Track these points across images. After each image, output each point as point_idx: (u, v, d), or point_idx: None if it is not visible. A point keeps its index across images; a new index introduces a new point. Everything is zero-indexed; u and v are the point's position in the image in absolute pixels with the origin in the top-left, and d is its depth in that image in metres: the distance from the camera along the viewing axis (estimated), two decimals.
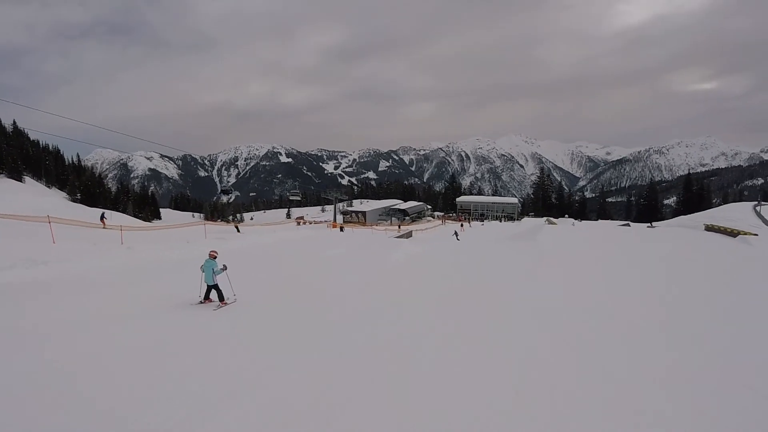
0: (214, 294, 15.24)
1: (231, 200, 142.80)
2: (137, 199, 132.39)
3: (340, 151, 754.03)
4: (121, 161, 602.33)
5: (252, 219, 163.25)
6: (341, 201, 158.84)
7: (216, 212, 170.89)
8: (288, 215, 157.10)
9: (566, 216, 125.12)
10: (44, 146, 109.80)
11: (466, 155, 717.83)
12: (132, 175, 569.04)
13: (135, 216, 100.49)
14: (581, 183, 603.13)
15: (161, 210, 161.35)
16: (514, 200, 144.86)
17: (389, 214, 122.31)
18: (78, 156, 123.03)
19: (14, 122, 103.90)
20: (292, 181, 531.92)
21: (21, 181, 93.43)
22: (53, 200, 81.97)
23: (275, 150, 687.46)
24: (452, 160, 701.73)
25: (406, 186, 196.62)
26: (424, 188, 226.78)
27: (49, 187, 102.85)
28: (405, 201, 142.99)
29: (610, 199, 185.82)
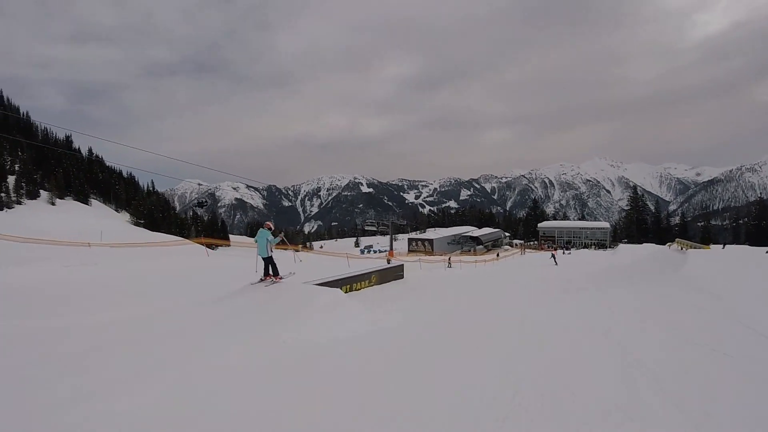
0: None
1: (205, 213, 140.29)
2: (206, 225, 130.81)
3: (420, 181, 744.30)
4: (209, 190, 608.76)
5: (321, 247, 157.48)
6: (416, 229, 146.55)
7: (287, 239, 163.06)
8: (356, 244, 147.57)
9: (669, 244, 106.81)
10: (118, 172, 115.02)
11: (550, 181, 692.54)
12: (219, 204, 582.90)
13: (198, 242, 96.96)
14: (671, 207, 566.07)
15: (232, 236, 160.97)
16: (606, 224, 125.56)
17: (459, 242, 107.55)
18: (152, 183, 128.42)
19: (89, 150, 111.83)
20: (373, 211, 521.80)
21: (87, 204, 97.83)
22: (113, 222, 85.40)
23: (356, 180, 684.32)
24: (535, 187, 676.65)
25: (484, 213, 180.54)
26: (505, 216, 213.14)
27: (118, 210, 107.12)
28: (480, 228, 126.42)
29: (700, 223, 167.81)
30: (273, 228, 14.89)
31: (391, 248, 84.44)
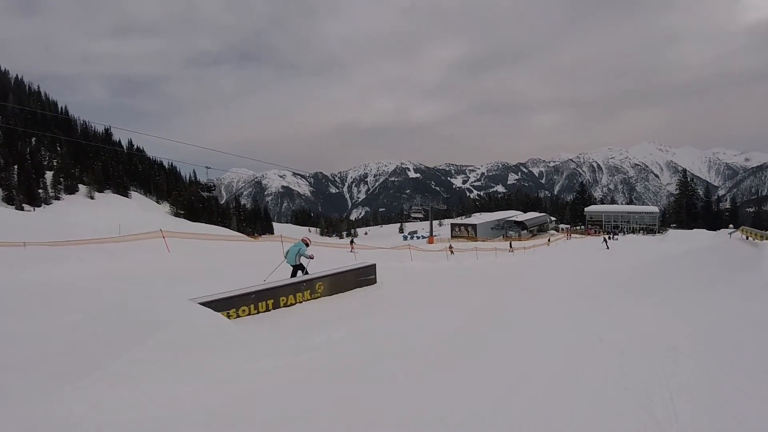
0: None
1: (214, 196, 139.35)
2: (248, 214, 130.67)
3: (467, 166, 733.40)
4: (255, 179, 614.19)
5: (366, 234, 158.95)
6: (462, 214, 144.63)
7: (331, 227, 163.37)
8: (401, 230, 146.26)
9: (730, 227, 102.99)
10: (158, 163, 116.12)
11: (598, 166, 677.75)
12: (266, 192, 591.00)
13: (239, 230, 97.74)
14: (720, 192, 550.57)
15: (276, 224, 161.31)
16: (654, 209, 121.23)
17: (503, 227, 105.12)
18: (194, 172, 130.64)
19: (129, 142, 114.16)
20: (421, 197, 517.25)
21: (127, 196, 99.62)
22: (153, 215, 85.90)
23: (403, 166, 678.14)
24: (583, 171, 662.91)
25: (531, 198, 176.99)
26: (552, 200, 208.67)
27: (159, 202, 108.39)
28: (525, 212, 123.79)
29: (750, 209, 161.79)
30: (309, 244, 15.71)
31: (431, 233, 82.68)
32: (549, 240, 72.97)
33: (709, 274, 19.76)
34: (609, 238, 74.18)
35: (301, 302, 14.27)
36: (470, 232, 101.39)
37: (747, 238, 30.81)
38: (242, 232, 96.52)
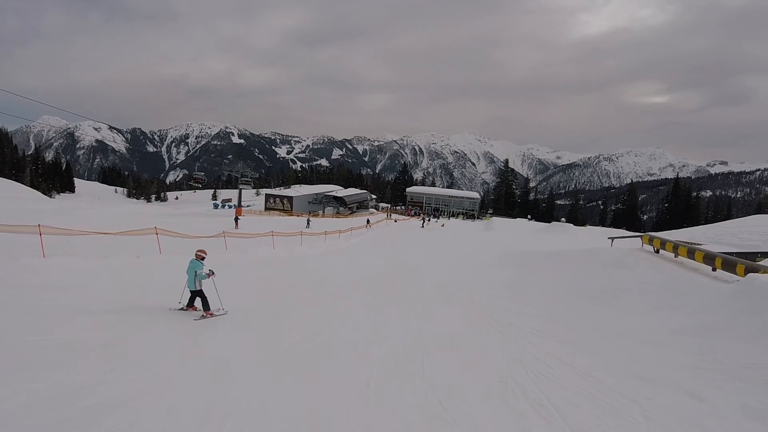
0: (198, 302, 12.19)
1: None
2: (48, 169, 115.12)
3: (294, 136, 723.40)
4: (68, 130, 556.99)
5: (177, 198, 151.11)
6: (282, 185, 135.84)
7: (139, 189, 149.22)
8: (214, 196, 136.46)
9: (528, 217, 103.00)
10: None
11: (420, 149, 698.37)
12: (78, 146, 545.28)
13: (33, 187, 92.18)
14: (531, 185, 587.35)
15: (80, 181, 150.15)
16: (476, 195, 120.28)
17: (321, 201, 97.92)
18: None
19: None
20: (242, 163, 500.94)
21: None
22: None
23: (228, 130, 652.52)
24: (406, 153, 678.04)
25: (353, 174, 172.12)
26: (374, 178, 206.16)
27: None
28: (346, 188, 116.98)
29: (559, 201, 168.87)
30: (205, 257, 12.44)
31: (239, 204, 73.12)
32: (368, 222, 64.25)
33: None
34: (428, 220, 71.55)
35: None
36: (286, 205, 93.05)
37: (657, 250, 21.12)
38: (37, 189, 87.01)
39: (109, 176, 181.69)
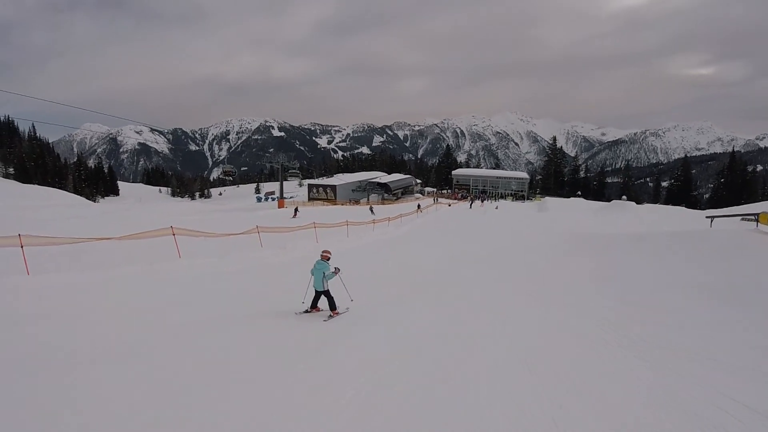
0: (323, 302, 12.17)
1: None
2: (90, 174, 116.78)
3: (333, 126, 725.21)
4: (110, 135, 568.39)
5: (221, 194, 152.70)
6: (325, 174, 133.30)
7: (183, 187, 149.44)
8: (257, 190, 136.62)
9: (624, 198, 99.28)
10: None
11: (461, 132, 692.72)
12: (121, 150, 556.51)
13: (77, 192, 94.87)
14: (579, 162, 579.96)
15: (124, 184, 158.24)
16: (524, 175, 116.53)
17: (365, 189, 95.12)
18: (33, 127, 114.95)
19: None
20: (284, 155, 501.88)
21: None
22: None
23: (267, 124, 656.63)
24: (447, 137, 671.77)
25: (396, 160, 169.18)
26: (416, 163, 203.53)
27: None
28: (389, 174, 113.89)
29: (609, 179, 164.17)
30: (330, 257, 12.34)
31: (282, 195, 70.76)
32: (419, 207, 61.08)
33: None
34: (477, 202, 72.17)
35: None
36: (329, 194, 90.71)
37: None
38: (81, 195, 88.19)
39: (153, 177, 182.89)
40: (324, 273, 11.78)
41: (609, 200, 79.05)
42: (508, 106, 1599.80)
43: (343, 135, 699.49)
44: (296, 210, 49.53)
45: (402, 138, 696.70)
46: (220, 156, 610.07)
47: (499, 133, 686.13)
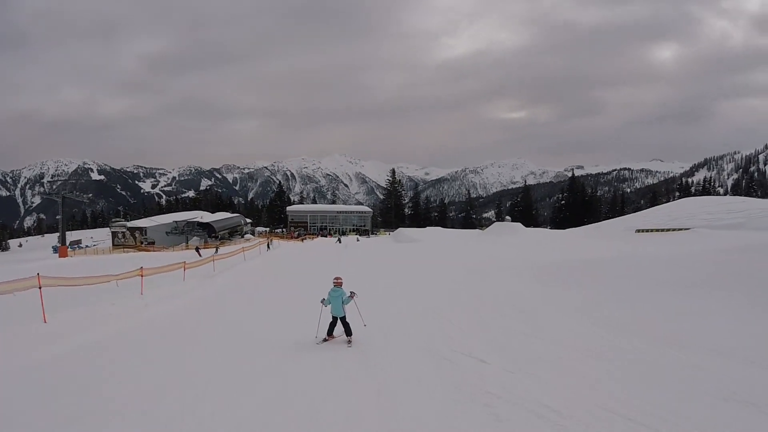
0: (336, 329, 11.50)
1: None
2: None
3: (158, 169, 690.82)
4: None
5: (20, 246, 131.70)
6: (141, 217, 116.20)
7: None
8: (62, 240, 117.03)
9: (507, 218, 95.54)
10: None
11: (292, 174, 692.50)
12: None
13: None
14: (404, 201, 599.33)
15: None
16: (367, 209, 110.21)
17: (184, 231, 78.75)
18: None
19: None
20: (104, 202, 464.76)
21: None
22: None
23: (86, 166, 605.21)
24: (277, 179, 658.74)
25: (224, 200, 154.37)
26: (246, 206, 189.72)
27: None
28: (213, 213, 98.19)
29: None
30: (342, 282, 11.65)
31: (63, 242, 55.18)
32: (217, 249, 45.36)
33: None
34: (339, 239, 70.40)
35: None
36: (139, 238, 74.13)
37: None
38: None
39: None
40: (342, 299, 11.31)
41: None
42: (338, 148, 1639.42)
43: (168, 178, 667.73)
44: (197, 249, 48.13)
45: (231, 181, 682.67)
46: (33, 203, 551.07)
47: (329, 174, 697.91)
